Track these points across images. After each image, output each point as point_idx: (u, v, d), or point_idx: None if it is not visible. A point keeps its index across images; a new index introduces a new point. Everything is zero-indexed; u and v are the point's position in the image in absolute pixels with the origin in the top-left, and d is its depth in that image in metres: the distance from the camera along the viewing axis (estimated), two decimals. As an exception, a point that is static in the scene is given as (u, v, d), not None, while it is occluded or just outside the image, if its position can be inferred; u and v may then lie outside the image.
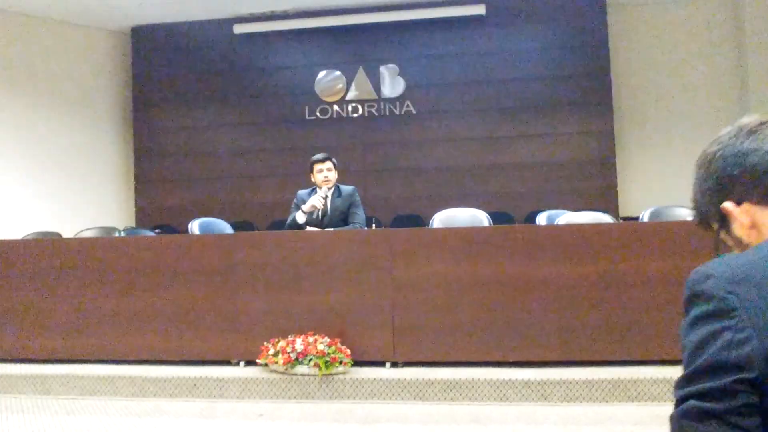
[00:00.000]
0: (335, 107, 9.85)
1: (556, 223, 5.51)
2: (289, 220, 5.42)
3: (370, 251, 4.51)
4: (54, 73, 9.74)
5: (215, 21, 10.02)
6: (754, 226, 1.01)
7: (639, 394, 3.87)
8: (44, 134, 9.56)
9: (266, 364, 4.29)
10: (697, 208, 1.15)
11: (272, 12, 9.82)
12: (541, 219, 5.95)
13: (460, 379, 4.06)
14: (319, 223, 5.34)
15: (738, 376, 0.85)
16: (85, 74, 10.09)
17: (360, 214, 5.42)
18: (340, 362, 4.17)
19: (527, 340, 4.27)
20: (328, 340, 4.25)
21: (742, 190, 1.03)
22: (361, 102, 9.81)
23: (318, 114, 9.87)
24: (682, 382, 0.92)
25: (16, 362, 4.77)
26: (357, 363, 4.29)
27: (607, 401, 3.90)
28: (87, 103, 10.08)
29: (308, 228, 5.27)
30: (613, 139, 9.31)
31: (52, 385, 4.48)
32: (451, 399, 4.04)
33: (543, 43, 9.49)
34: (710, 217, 1.11)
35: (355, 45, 9.89)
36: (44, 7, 9.24)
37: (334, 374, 4.16)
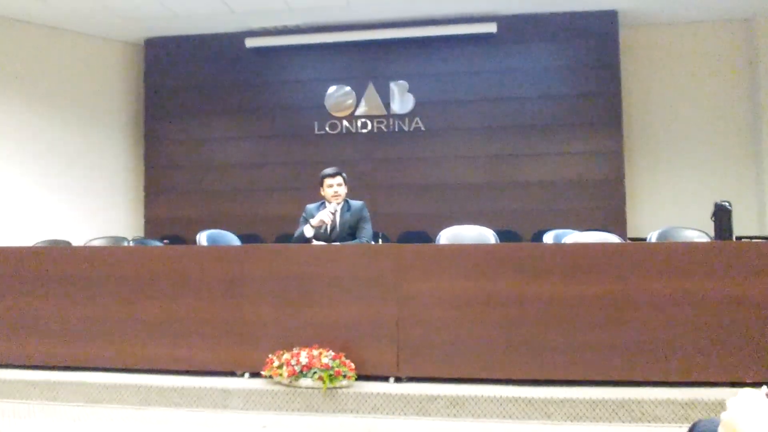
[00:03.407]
0: (345, 122, 9.91)
1: (563, 242, 5.52)
2: (296, 234, 5.45)
3: (377, 266, 4.53)
4: (66, 83, 9.83)
5: (227, 35, 10.11)
6: None
7: (643, 414, 3.87)
8: (56, 144, 9.65)
9: (270, 376, 4.30)
10: None
11: (284, 27, 9.91)
12: (548, 238, 5.96)
13: (463, 395, 4.06)
14: (327, 237, 5.37)
15: None
16: (97, 85, 10.18)
17: (368, 229, 5.44)
18: (344, 376, 4.17)
19: (532, 358, 4.27)
20: (333, 353, 4.26)
21: None
22: (371, 117, 9.86)
23: (327, 129, 9.93)
24: None
25: (23, 368, 4.80)
26: (361, 377, 4.29)
27: (610, 421, 3.89)
28: (99, 113, 10.16)
29: (315, 242, 5.30)
30: (623, 159, 9.32)
31: (59, 391, 4.50)
32: (455, 415, 4.04)
33: (553, 62, 9.52)
34: None
35: (366, 61, 9.95)
36: (58, 17, 9.35)
37: (338, 388, 4.17)
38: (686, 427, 3.78)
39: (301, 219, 5.55)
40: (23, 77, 9.41)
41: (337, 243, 5.25)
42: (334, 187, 5.44)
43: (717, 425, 1.14)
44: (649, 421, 3.85)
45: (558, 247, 5.08)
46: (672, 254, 4.33)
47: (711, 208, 6.39)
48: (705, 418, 3.80)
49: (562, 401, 3.96)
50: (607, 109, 9.37)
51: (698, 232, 5.77)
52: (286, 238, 7.72)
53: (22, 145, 9.30)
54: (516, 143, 9.55)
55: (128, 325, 4.75)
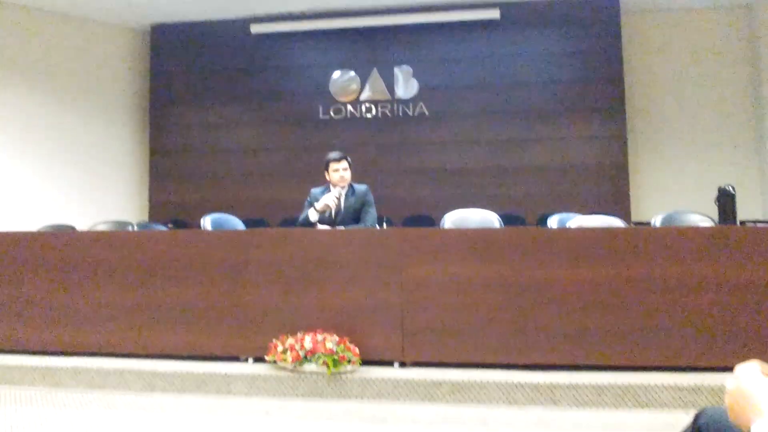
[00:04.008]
0: (349, 107, 9.88)
1: (567, 226, 5.49)
2: (301, 218, 5.43)
3: (381, 251, 4.50)
4: (72, 68, 9.81)
5: (233, 20, 10.08)
6: None
7: (649, 400, 3.84)
8: (61, 129, 9.64)
9: (274, 361, 4.28)
10: None
11: (289, 12, 9.86)
12: (552, 222, 5.93)
13: (468, 380, 4.04)
14: (332, 221, 5.35)
15: None
16: (103, 70, 10.16)
17: (372, 213, 5.42)
18: (349, 361, 4.15)
19: (537, 343, 4.25)
20: (337, 338, 4.24)
21: None
22: (375, 102, 9.83)
23: (332, 114, 9.90)
24: None
25: (26, 354, 4.79)
26: (365, 362, 4.28)
27: (616, 407, 3.87)
28: (105, 98, 10.15)
29: (320, 226, 5.28)
30: (626, 144, 9.29)
31: (61, 377, 4.49)
32: (460, 400, 4.02)
33: (557, 47, 9.49)
34: None
35: (370, 46, 9.92)
36: (64, 3, 9.32)
37: (342, 373, 4.15)
38: (692, 412, 3.78)
39: (306, 203, 5.53)
40: (28, 63, 9.38)
41: (342, 227, 5.23)
42: (340, 172, 5.42)
43: (723, 413, 1.12)
44: (655, 407, 3.83)
45: (562, 231, 5.05)
46: (676, 238, 4.29)
47: (714, 193, 6.37)
48: (710, 403, 3.78)
49: (567, 386, 3.94)
50: (610, 94, 9.33)
51: (702, 216, 5.74)
52: (291, 222, 7.71)
53: (26, 131, 9.29)
54: (520, 128, 9.52)
55: (131, 310, 4.73)
